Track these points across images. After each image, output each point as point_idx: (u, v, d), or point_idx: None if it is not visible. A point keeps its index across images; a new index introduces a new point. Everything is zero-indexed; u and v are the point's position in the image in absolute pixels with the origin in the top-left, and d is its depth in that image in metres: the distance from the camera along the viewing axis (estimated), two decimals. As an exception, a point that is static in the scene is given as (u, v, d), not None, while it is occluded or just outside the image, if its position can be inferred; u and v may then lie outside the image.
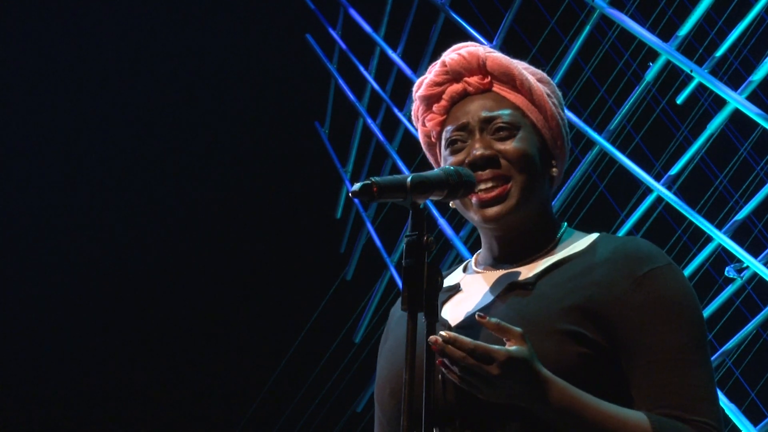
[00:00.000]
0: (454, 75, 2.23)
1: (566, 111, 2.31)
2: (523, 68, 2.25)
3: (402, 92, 8.91)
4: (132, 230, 9.54)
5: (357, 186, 1.92)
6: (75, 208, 9.35)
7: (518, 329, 1.93)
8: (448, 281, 2.27)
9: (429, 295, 1.93)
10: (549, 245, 2.19)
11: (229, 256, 9.62)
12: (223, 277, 9.62)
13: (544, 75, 2.28)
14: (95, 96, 9.27)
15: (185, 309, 9.57)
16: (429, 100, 2.26)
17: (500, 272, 2.18)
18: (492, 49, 2.25)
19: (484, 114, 2.19)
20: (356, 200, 2.10)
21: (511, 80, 2.20)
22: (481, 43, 8.91)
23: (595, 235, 2.20)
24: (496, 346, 1.92)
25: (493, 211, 2.15)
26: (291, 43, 9.67)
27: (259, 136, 9.57)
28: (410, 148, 8.75)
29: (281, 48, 9.55)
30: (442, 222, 8.12)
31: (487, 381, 1.90)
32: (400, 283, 6.66)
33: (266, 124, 9.59)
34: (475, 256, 2.30)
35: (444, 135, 2.22)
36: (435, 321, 1.94)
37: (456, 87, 2.24)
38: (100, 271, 9.48)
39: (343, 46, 9.54)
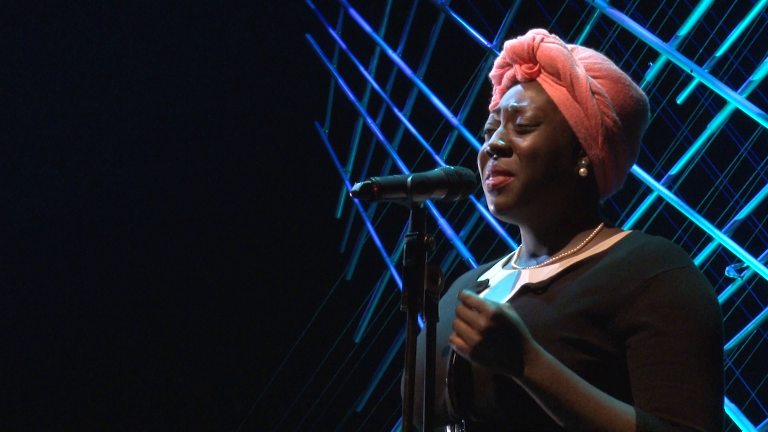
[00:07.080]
0: (511, 60, 2.23)
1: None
2: (582, 59, 2.20)
3: (402, 92, 8.90)
4: (131, 230, 9.54)
5: (357, 186, 1.93)
6: (74, 208, 9.34)
7: (491, 308, 1.91)
8: (485, 275, 2.25)
9: (429, 295, 1.92)
10: (578, 245, 2.15)
11: (229, 256, 9.61)
12: (222, 277, 9.61)
13: (612, 72, 2.20)
14: (95, 96, 9.27)
15: (184, 309, 9.56)
16: (495, 80, 2.28)
17: (525, 271, 2.16)
18: (554, 38, 2.21)
19: (513, 104, 2.17)
20: (356, 200, 2.11)
21: (556, 72, 2.16)
22: (482, 43, 8.84)
23: (622, 234, 2.15)
24: (490, 301, 1.93)
25: (495, 201, 2.14)
26: (291, 43, 9.66)
27: (259, 136, 9.56)
28: (410, 148, 8.74)
29: (281, 48, 9.54)
30: (442, 222, 8.12)
31: (475, 335, 1.90)
32: (400, 283, 6.65)
33: (266, 124, 9.58)
34: (518, 249, 2.28)
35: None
36: (435, 321, 1.93)
37: (512, 72, 2.23)
38: (99, 272, 9.48)
39: (343, 45, 9.54)
